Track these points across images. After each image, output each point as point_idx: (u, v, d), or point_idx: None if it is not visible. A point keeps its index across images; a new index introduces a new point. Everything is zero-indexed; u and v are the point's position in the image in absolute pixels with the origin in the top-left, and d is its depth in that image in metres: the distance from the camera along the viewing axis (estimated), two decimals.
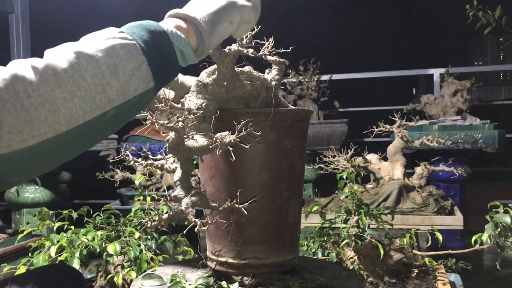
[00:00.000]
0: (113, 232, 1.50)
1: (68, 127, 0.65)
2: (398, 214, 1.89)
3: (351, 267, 1.54)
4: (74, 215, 1.55)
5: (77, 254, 1.37)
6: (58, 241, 1.40)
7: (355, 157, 2.11)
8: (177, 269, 1.11)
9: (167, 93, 1.08)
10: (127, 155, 0.95)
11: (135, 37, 0.72)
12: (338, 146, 3.22)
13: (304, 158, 1.04)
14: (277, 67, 1.02)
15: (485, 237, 1.35)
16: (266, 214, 0.98)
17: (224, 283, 0.98)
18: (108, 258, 1.44)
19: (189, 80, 1.14)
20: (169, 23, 0.79)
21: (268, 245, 0.99)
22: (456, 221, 1.91)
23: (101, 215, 1.56)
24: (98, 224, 1.53)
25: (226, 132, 0.82)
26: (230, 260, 0.99)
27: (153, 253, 1.44)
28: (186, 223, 0.81)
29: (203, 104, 0.90)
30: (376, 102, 4.13)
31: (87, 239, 1.40)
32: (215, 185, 0.98)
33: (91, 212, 1.58)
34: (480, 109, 3.47)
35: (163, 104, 0.85)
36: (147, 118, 0.84)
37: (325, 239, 1.66)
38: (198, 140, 0.82)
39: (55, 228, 1.51)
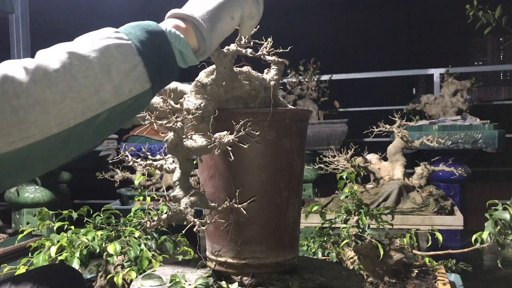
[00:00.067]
0: (113, 232, 1.50)
1: (59, 129, 0.63)
2: (398, 214, 1.90)
3: (351, 267, 1.54)
4: (74, 215, 1.55)
5: (77, 254, 1.37)
6: (58, 241, 1.40)
7: (355, 157, 2.11)
8: (177, 269, 1.11)
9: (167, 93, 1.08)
10: (127, 156, 0.95)
11: (132, 37, 0.70)
12: (338, 146, 3.23)
13: (303, 158, 1.04)
14: (276, 67, 1.02)
15: (485, 235, 1.35)
16: (265, 214, 0.98)
17: (223, 283, 0.98)
18: (108, 258, 1.44)
19: (188, 89, 1.13)
20: (168, 23, 0.77)
21: (267, 245, 0.99)
22: (456, 221, 1.91)
23: (101, 215, 1.56)
24: (98, 224, 1.53)
25: (225, 132, 0.82)
26: (230, 260, 0.99)
27: (153, 253, 1.44)
28: (185, 223, 0.81)
29: (202, 104, 0.90)
30: (376, 102, 4.13)
31: (87, 239, 1.40)
32: (214, 185, 0.98)
33: (91, 212, 1.58)
34: (480, 109, 3.47)
35: (162, 105, 0.85)
36: (146, 118, 0.83)
37: (325, 239, 1.66)
38: (197, 140, 0.82)
39: (55, 228, 1.52)
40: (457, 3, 3.40)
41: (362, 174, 2.09)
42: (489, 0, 2.73)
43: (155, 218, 0.81)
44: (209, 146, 0.81)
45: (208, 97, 0.92)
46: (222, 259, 1.00)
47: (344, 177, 1.67)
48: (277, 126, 0.96)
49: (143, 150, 0.97)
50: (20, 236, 1.67)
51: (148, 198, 1.64)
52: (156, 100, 1.07)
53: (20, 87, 0.61)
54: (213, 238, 1.02)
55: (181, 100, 0.91)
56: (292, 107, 1.07)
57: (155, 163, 0.93)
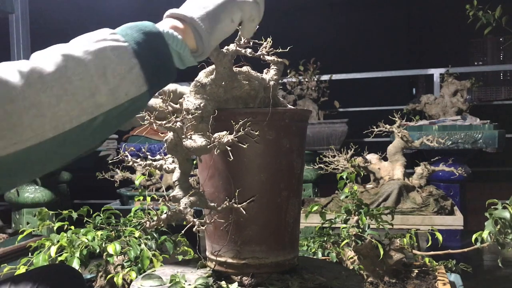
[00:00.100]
0: (113, 232, 1.50)
1: (55, 133, 0.62)
2: (398, 214, 1.89)
3: (351, 267, 1.54)
4: (74, 215, 1.55)
5: (77, 254, 1.37)
6: (58, 241, 1.40)
7: (355, 157, 2.11)
8: (177, 269, 1.11)
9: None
10: (126, 156, 0.95)
11: (128, 38, 0.69)
12: (338, 146, 3.23)
13: (303, 157, 1.04)
14: (276, 67, 1.02)
15: (485, 234, 1.35)
16: (265, 214, 0.98)
17: (223, 283, 0.98)
18: (108, 258, 1.44)
19: (187, 91, 1.12)
20: (165, 24, 0.76)
21: (267, 245, 0.99)
22: (456, 221, 1.91)
23: (101, 215, 1.56)
24: (98, 224, 1.53)
25: (224, 132, 0.82)
26: (230, 260, 0.99)
27: (154, 252, 1.44)
28: (185, 223, 0.81)
29: (201, 104, 0.90)
30: (376, 102, 4.13)
31: (87, 239, 1.40)
32: (214, 185, 0.98)
33: (91, 212, 1.58)
34: (480, 109, 3.47)
35: (161, 105, 0.85)
36: (146, 118, 0.83)
37: (325, 239, 1.66)
38: (196, 140, 0.82)
39: (55, 228, 1.52)
40: (457, 3, 3.40)
41: (362, 174, 2.08)
42: (489, 0, 2.73)
43: (155, 218, 0.81)
44: (208, 146, 0.81)
45: (207, 97, 0.92)
46: (222, 259, 1.00)
47: (344, 177, 1.67)
48: (277, 126, 0.96)
49: (143, 150, 0.97)
50: (20, 236, 1.67)
51: (148, 198, 1.64)
52: (156, 101, 1.06)
53: (14, 91, 0.60)
54: (213, 238, 1.02)
55: (180, 101, 0.91)
56: (292, 107, 1.07)
57: (155, 163, 0.93)
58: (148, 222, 0.81)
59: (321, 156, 2.14)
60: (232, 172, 0.95)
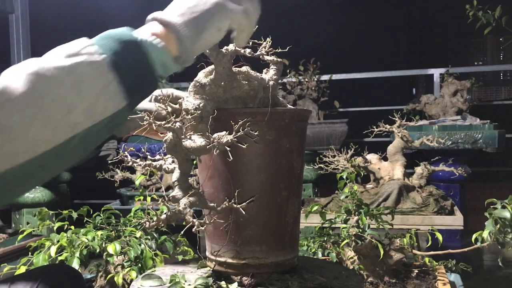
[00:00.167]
0: (113, 232, 1.50)
1: (27, 157, 0.59)
2: (398, 214, 1.89)
3: (351, 267, 1.54)
4: (74, 215, 1.55)
5: (77, 254, 1.37)
6: (58, 241, 1.40)
7: (355, 157, 2.11)
8: (177, 269, 1.11)
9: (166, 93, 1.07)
10: (126, 156, 0.95)
11: (106, 50, 0.65)
12: (338, 146, 3.23)
13: (303, 157, 1.04)
14: (275, 67, 1.02)
15: (485, 234, 1.35)
16: (265, 214, 0.98)
17: (223, 283, 0.98)
18: (108, 258, 1.44)
19: (183, 95, 1.10)
20: (146, 31, 0.72)
21: (267, 245, 0.99)
22: (456, 221, 1.91)
23: (101, 215, 1.57)
24: (98, 224, 1.53)
25: (224, 132, 0.82)
26: (229, 260, 0.99)
27: (155, 252, 1.45)
28: (184, 223, 0.81)
29: (201, 105, 0.90)
30: (376, 102, 4.13)
31: (87, 239, 1.40)
32: (214, 185, 0.98)
33: (91, 212, 1.58)
34: (480, 109, 3.47)
35: (161, 105, 0.85)
36: (145, 118, 0.82)
37: (325, 239, 1.66)
38: (195, 141, 0.82)
39: (55, 228, 1.52)
40: (457, 3, 3.40)
41: (362, 174, 2.09)
42: (489, 0, 2.73)
43: (155, 218, 0.81)
44: (208, 146, 0.81)
45: (207, 97, 0.92)
46: (222, 259, 1.00)
47: (344, 177, 1.67)
48: (277, 126, 0.96)
49: (143, 150, 0.97)
50: (20, 236, 1.67)
51: (148, 198, 1.64)
52: (152, 106, 1.05)
53: None
54: (213, 238, 1.02)
55: (180, 101, 0.91)
56: (292, 107, 1.07)
57: (154, 163, 0.93)
58: (148, 222, 0.81)
59: (321, 156, 2.14)
60: (231, 172, 0.95)
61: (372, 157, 2.16)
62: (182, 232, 0.88)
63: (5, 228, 2.49)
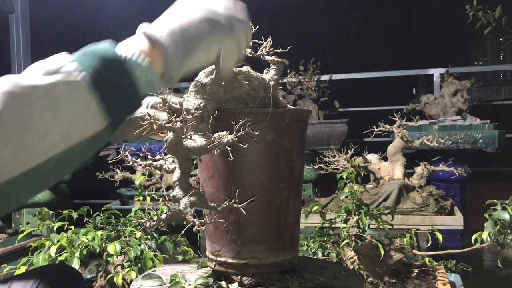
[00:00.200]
0: (113, 232, 1.50)
1: (1, 179, 0.57)
2: (398, 214, 1.90)
3: (351, 267, 1.54)
4: (74, 215, 1.55)
5: (77, 254, 1.37)
6: (58, 241, 1.40)
7: (355, 157, 2.11)
8: (177, 269, 1.11)
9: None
10: (126, 156, 0.95)
11: (86, 68, 0.62)
12: (338, 146, 3.23)
13: (303, 157, 1.04)
14: (276, 67, 1.02)
15: (485, 235, 1.35)
16: (265, 214, 0.98)
17: (223, 283, 0.98)
18: (108, 258, 1.44)
19: (177, 100, 1.08)
20: (131, 46, 0.68)
21: (267, 245, 0.99)
22: (456, 221, 1.91)
23: (101, 215, 1.57)
24: (98, 224, 1.53)
25: (224, 132, 0.82)
26: (230, 260, 0.99)
27: (155, 252, 1.45)
28: (185, 223, 0.81)
29: (201, 104, 0.90)
30: (376, 102, 4.14)
31: (87, 239, 1.40)
32: (214, 185, 0.98)
33: (91, 212, 1.58)
34: (480, 109, 3.47)
35: (161, 105, 0.85)
36: (145, 118, 0.82)
37: (325, 239, 1.66)
38: (196, 140, 0.82)
39: (55, 228, 1.52)
40: (457, 3, 3.40)
41: (362, 174, 2.09)
42: (489, 0, 2.73)
43: (155, 218, 0.81)
44: (208, 146, 0.81)
45: (207, 97, 0.92)
46: (222, 259, 1.00)
47: (344, 177, 1.67)
48: (277, 126, 0.96)
49: (143, 150, 0.97)
50: (20, 236, 1.67)
51: (148, 198, 1.64)
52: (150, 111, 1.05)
53: None
54: (213, 238, 1.02)
55: (180, 100, 0.91)
56: (292, 107, 1.07)
57: (155, 163, 0.93)
58: (148, 222, 0.81)
59: (321, 156, 2.14)
60: (232, 172, 0.95)
61: (372, 157, 2.16)
62: (182, 232, 0.88)
63: (5, 228, 2.49)
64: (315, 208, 1.57)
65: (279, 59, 1.02)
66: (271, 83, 1.00)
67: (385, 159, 2.16)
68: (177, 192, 0.84)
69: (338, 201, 2.05)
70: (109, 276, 1.43)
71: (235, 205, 0.86)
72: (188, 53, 0.72)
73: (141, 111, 0.89)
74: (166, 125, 0.80)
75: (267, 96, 0.99)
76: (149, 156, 0.95)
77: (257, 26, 0.93)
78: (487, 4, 2.68)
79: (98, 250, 1.40)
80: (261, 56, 0.99)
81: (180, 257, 1.55)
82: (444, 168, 2.23)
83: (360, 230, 1.45)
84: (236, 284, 0.97)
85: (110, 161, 1.84)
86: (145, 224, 0.81)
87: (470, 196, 3.26)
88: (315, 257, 1.60)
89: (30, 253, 1.46)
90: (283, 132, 0.97)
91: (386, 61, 6.64)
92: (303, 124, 1.05)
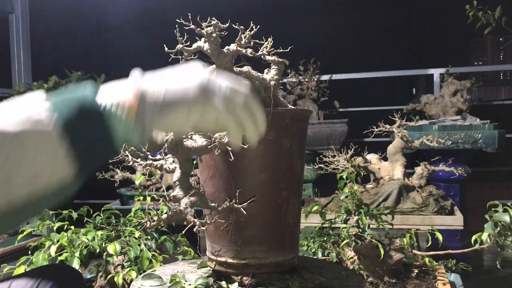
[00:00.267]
0: (113, 232, 1.50)
1: None
2: (398, 214, 1.89)
3: (351, 267, 1.54)
4: (74, 215, 1.55)
5: (77, 254, 1.37)
6: (58, 241, 1.40)
7: (355, 157, 2.11)
8: (177, 269, 1.11)
9: None
10: (127, 156, 0.95)
11: (60, 116, 0.60)
12: (338, 146, 3.22)
13: (303, 158, 1.04)
14: (276, 67, 1.02)
15: (484, 236, 1.35)
16: (265, 214, 0.98)
17: (223, 283, 0.98)
18: (108, 258, 1.44)
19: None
20: (114, 95, 0.65)
21: (267, 245, 0.99)
22: (456, 221, 1.91)
23: (101, 215, 1.57)
24: (98, 224, 1.53)
25: (225, 132, 0.82)
26: (230, 260, 0.99)
27: (153, 253, 1.45)
28: (185, 223, 0.81)
29: None
30: (376, 102, 4.13)
31: (87, 239, 1.40)
32: (214, 185, 0.98)
33: (91, 212, 1.58)
34: (480, 109, 3.47)
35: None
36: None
37: (325, 239, 1.66)
38: (197, 140, 0.82)
39: (55, 228, 1.52)
40: (457, 3, 3.40)
41: (362, 174, 2.09)
42: (489, 0, 2.73)
43: (155, 218, 0.81)
44: (209, 146, 0.81)
45: None
46: (222, 259, 1.00)
47: (344, 177, 1.67)
48: (277, 126, 0.96)
49: (143, 150, 0.97)
50: (20, 236, 1.67)
51: (148, 198, 1.64)
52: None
53: None
54: (213, 238, 1.02)
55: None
56: (292, 107, 1.07)
57: (155, 163, 0.93)
58: (148, 222, 0.81)
59: (321, 156, 2.14)
60: (232, 172, 0.95)
61: (372, 157, 2.16)
62: (183, 232, 0.88)
63: None
64: (315, 208, 1.57)
65: (280, 59, 1.02)
66: (272, 83, 1.00)
67: (385, 159, 2.16)
68: (177, 192, 0.84)
69: (338, 201, 2.05)
70: (109, 276, 1.43)
71: (236, 205, 0.86)
72: (167, 113, 0.66)
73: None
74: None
75: (267, 96, 0.99)
76: (149, 156, 0.95)
77: (258, 26, 0.93)
78: (487, 4, 2.69)
79: (98, 250, 1.40)
80: (262, 56, 0.99)
81: (180, 257, 1.55)
82: (444, 168, 2.23)
83: (360, 230, 1.45)
84: (236, 284, 0.97)
85: (110, 161, 1.84)
86: (145, 224, 0.81)
87: (470, 196, 3.26)
88: (315, 257, 1.60)
89: (30, 253, 1.46)
90: (284, 132, 0.97)
91: (386, 61, 6.64)
92: (304, 124, 1.05)
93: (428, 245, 1.58)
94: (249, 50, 0.95)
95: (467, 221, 2.61)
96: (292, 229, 1.03)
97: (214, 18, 0.90)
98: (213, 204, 0.86)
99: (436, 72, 3.73)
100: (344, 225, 1.53)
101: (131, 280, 1.34)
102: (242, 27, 0.92)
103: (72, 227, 1.48)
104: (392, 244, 1.53)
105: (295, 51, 1.20)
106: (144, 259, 1.38)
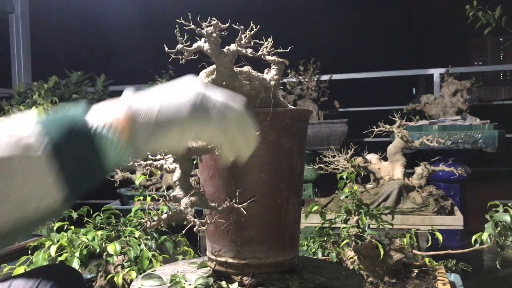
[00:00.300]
0: (113, 232, 1.50)
1: None
2: (398, 214, 1.90)
3: (351, 267, 1.54)
4: (74, 215, 1.55)
5: (77, 254, 1.37)
6: (58, 241, 1.40)
7: (355, 157, 2.11)
8: (177, 269, 1.11)
9: None
10: None
11: (50, 138, 0.59)
12: (338, 146, 3.22)
13: (303, 158, 1.04)
14: (276, 67, 1.02)
15: (485, 236, 1.35)
16: (265, 214, 0.98)
17: (223, 283, 0.98)
18: (108, 258, 1.44)
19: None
20: (105, 115, 0.63)
21: (267, 245, 0.99)
22: (456, 221, 1.91)
23: (101, 215, 1.57)
24: (98, 224, 1.53)
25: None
26: (230, 260, 0.99)
27: (153, 252, 1.45)
28: (185, 223, 0.81)
29: None
30: (376, 102, 4.13)
31: (87, 239, 1.40)
32: (215, 185, 0.98)
33: (91, 212, 1.58)
34: (480, 109, 3.47)
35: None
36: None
37: (325, 239, 1.66)
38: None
39: (55, 228, 1.52)
40: (457, 3, 3.40)
41: (362, 174, 2.09)
42: (489, 0, 2.73)
43: (155, 218, 0.81)
44: (209, 146, 0.81)
45: None
46: (222, 259, 1.00)
47: (344, 177, 1.67)
48: (278, 126, 0.96)
49: None
50: None
51: (148, 198, 1.64)
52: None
53: None
54: (213, 238, 1.02)
55: None
56: (292, 107, 1.07)
57: (155, 163, 0.93)
58: (148, 222, 0.81)
59: (321, 156, 2.14)
60: (232, 172, 0.95)
61: (372, 157, 2.16)
62: (183, 232, 0.88)
63: None
64: (315, 208, 1.57)
65: (280, 59, 1.02)
66: (272, 83, 1.00)
67: (385, 159, 2.16)
68: (177, 192, 0.84)
69: (338, 201, 2.05)
70: (109, 276, 1.43)
71: (236, 205, 0.86)
72: (160, 133, 0.65)
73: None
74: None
75: (267, 96, 0.99)
76: (150, 156, 0.95)
77: (258, 26, 0.93)
78: (487, 4, 2.69)
79: (98, 250, 1.40)
80: (262, 56, 0.99)
81: (180, 257, 1.55)
82: (444, 168, 2.23)
83: (360, 230, 1.45)
84: (236, 284, 0.97)
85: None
86: (145, 224, 0.81)
87: (470, 196, 3.26)
88: (315, 257, 1.60)
89: (30, 253, 1.46)
90: (284, 132, 0.97)
91: (386, 61, 6.64)
92: (304, 124, 1.05)
93: (428, 245, 1.58)
94: (249, 50, 0.95)
95: (467, 221, 2.61)
96: (292, 229, 1.03)
97: (214, 18, 0.90)
98: (213, 204, 0.86)
99: (436, 72, 3.73)
100: (344, 225, 1.53)
101: (131, 280, 1.34)
102: (242, 27, 0.92)
103: (72, 227, 1.48)
104: (392, 244, 1.53)
105: (295, 51, 1.20)
106: (144, 259, 1.38)
